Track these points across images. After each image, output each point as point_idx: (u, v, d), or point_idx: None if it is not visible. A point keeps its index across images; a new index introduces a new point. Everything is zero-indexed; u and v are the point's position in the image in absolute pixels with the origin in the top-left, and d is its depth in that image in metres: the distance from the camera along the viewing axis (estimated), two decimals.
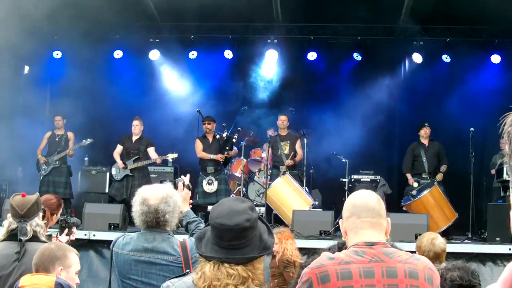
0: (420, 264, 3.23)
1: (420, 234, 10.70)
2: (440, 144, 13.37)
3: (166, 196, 4.27)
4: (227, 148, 12.98)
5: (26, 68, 14.82)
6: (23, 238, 4.82)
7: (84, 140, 13.45)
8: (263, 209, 12.33)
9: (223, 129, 13.25)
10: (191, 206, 4.90)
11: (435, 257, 5.54)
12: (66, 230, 6.01)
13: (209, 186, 12.76)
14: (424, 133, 13.27)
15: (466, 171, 12.66)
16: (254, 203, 13.26)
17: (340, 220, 3.49)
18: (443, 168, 13.12)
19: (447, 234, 11.44)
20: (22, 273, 4.48)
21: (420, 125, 13.33)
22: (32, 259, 4.24)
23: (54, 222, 6.08)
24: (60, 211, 6.12)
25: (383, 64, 15.47)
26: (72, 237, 6.10)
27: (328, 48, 15.57)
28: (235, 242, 3.10)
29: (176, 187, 4.69)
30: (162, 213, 4.22)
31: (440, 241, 5.68)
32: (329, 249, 4.04)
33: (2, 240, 4.92)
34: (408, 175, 13.37)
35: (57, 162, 13.41)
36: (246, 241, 3.11)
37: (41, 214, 5.09)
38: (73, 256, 4.28)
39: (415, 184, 12.90)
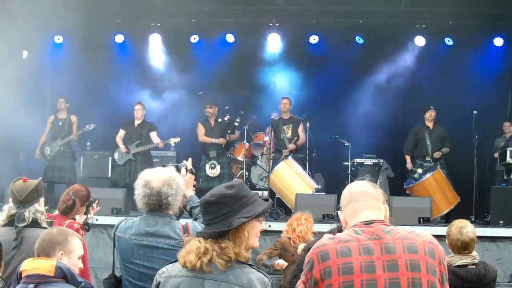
0: (419, 239, 3.27)
1: (423, 218, 10.83)
2: (444, 127, 13.32)
3: (169, 178, 4.27)
4: (229, 131, 12.98)
5: (25, 53, 14.75)
6: (20, 225, 4.80)
7: (87, 126, 13.44)
8: (266, 193, 12.31)
9: (226, 112, 13.22)
10: (194, 190, 4.88)
11: (463, 247, 5.47)
12: (84, 209, 6.04)
13: (212, 170, 12.77)
14: (430, 116, 13.20)
15: (469, 154, 12.62)
16: (257, 187, 13.28)
17: (339, 211, 3.54)
18: (444, 149, 13.04)
19: (449, 217, 11.44)
20: (22, 259, 4.46)
21: (426, 108, 13.26)
22: (32, 245, 4.22)
23: (83, 212, 6.07)
24: (88, 202, 6.13)
25: (385, 47, 15.37)
26: (91, 215, 6.15)
27: (330, 32, 15.42)
28: (205, 218, 3.32)
29: (179, 171, 4.66)
30: (165, 196, 4.21)
31: (468, 230, 5.50)
32: (330, 232, 4.06)
33: (3, 226, 4.91)
34: (407, 158, 13.35)
35: (61, 147, 13.41)
36: (216, 218, 3.26)
37: (42, 199, 5.06)
38: (75, 240, 4.24)
39: (419, 171, 12.84)
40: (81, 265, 4.29)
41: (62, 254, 4.10)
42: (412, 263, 3.16)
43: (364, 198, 3.38)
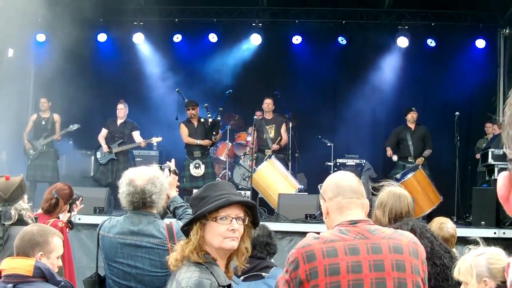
0: (404, 239, 3.30)
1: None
2: (426, 128, 13.35)
3: (153, 177, 4.28)
4: (214, 132, 12.91)
5: (11, 51, 14.65)
6: (7, 223, 4.78)
7: (71, 126, 13.33)
8: (248, 193, 12.30)
9: (206, 109, 13.13)
10: (177, 191, 4.89)
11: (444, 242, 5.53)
12: (67, 207, 6.01)
13: (196, 170, 12.69)
14: (411, 117, 13.23)
15: (452, 155, 12.68)
16: (240, 187, 13.27)
17: (321, 200, 3.50)
18: (426, 152, 13.08)
19: (431, 218, 11.47)
20: (8, 256, 4.43)
21: (407, 109, 13.30)
22: None
23: (66, 210, 6.04)
24: (71, 200, 6.10)
25: (368, 48, 15.40)
26: (74, 212, 6.13)
27: (313, 32, 15.48)
28: None
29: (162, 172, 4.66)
30: (149, 194, 4.22)
31: (449, 226, 5.61)
32: None
33: None
34: (388, 149, 13.31)
35: (44, 147, 13.32)
36: None
37: (25, 196, 5.04)
38: (56, 240, 4.21)
39: (394, 158, 12.94)
40: (60, 264, 4.27)
41: (41, 254, 4.07)
42: (398, 263, 3.19)
43: (352, 195, 3.38)
